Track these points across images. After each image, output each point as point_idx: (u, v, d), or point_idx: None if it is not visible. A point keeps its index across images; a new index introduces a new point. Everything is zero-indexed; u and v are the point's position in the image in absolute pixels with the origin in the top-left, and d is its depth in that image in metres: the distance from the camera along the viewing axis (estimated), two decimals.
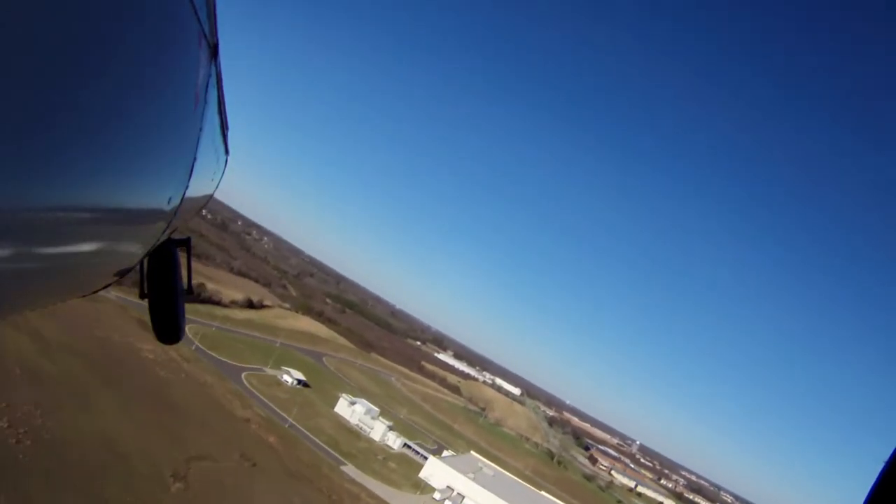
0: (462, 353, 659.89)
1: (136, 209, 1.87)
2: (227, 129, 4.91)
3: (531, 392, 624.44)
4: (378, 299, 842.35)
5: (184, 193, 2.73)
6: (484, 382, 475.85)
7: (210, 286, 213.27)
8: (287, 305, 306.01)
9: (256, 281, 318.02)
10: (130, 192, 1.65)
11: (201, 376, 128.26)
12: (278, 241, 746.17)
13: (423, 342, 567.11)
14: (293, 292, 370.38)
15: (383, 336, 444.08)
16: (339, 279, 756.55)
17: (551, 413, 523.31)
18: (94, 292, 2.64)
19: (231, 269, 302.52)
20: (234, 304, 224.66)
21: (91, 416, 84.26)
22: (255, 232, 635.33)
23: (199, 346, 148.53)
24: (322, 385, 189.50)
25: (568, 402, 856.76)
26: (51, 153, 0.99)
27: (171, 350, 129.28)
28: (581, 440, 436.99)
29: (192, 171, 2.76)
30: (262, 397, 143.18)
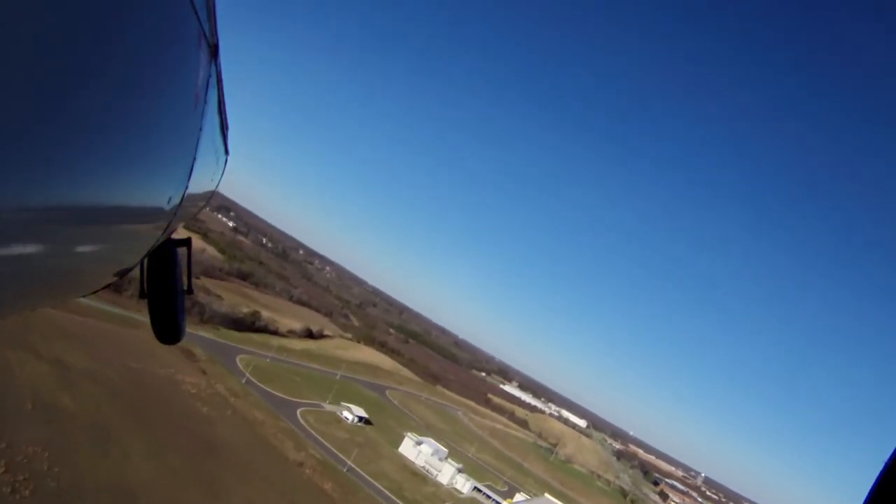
0: (527, 384, 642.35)
1: (137, 209, 1.87)
2: (227, 129, 4.93)
3: (596, 424, 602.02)
4: (442, 330, 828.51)
5: (184, 193, 2.73)
6: (550, 415, 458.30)
7: (266, 314, 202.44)
8: (348, 335, 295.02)
9: (317, 310, 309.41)
10: (130, 192, 1.65)
11: (250, 413, 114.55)
12: (341, 271, 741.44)
13: (488, 373, 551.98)
14: (355, 322, 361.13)
15: (448, 367, 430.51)
16: (402, 309, 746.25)
17: (618, 446, 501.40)
18: (94, 292, 2.62)
19: (291, 298, 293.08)
20: (291, 333, 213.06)
21: (111, 461, 70.89)
22: (317, 261, 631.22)
23: (251, 378, 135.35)
24: (385, 421, 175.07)
25: (631, 433, 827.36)
26: (51, 153, 0.99)
27: (218, 383, 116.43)
28: (650, 475, 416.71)
29: (191, 170, 2.76)
30: (318, 437, 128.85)
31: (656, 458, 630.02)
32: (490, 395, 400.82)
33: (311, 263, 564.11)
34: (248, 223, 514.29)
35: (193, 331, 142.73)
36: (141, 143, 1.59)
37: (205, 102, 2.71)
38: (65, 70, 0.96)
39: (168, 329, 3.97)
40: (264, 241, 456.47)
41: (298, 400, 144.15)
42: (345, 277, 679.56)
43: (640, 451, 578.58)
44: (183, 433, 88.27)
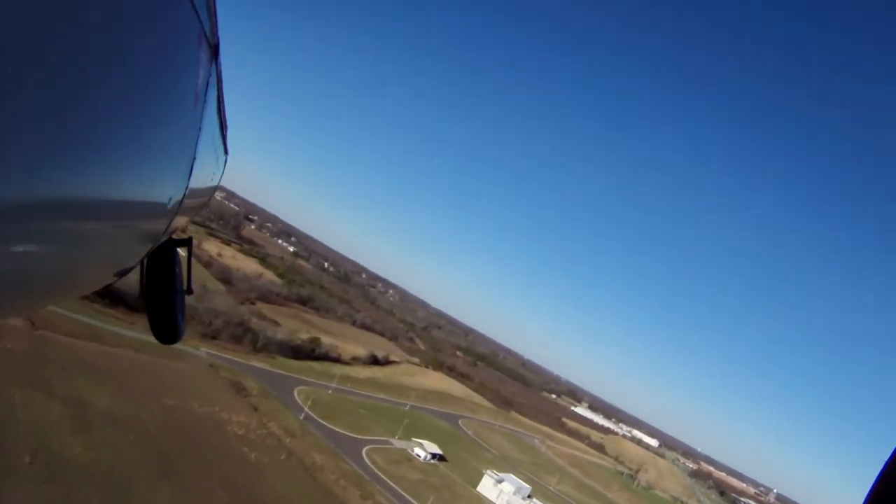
0: (596, 405, 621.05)
1: (136, 209, 1.88)
2: (227, 128, 4.96)
3: (665, 442, 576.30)
4: (507, 350, 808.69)
5: (184, 193, 2.75)
6: (623, 436, 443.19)
7: (327, 340, 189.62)
8: (416, 360, 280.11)
9: (381, 334, 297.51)
10: (130, 192, 1.65)
11: (309, 455, 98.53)
12: (404, 294, 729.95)
13: (558, 395, 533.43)
14: (421, 345, 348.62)
15: (519, 391, 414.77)
16: (467, 331, 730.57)
17: (690, 465, 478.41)
18: (94, 292, 2.62)
19: (354, 323, 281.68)
20: (355, 360, 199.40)
21: None
22: (379, 285, 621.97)
23: (310, 414, 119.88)
24: (460, 455, 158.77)
25: (699, 449, 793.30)
26: (51, 152, 0.99)
27: (272, 421, 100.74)
28: (727, 496, 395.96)
29: (191, 170, 2.78)
30: (388, 480, 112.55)
31: (727, 475, 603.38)
32: (564, 419, 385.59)
33: (374, 287, 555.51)
34: (309, 248, 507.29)
35: (245, 360, 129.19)
36: (141, 143, 1.59)
37: (205, 102, 2.71)
38: (65, 69, 0.96)
39: (167, 329, 3.93)
40: (326, 265, 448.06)
41: (364, 437, 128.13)
42: (408, 300, 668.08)
43: (713, 470, 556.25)
44: (224, 487, 72.74)
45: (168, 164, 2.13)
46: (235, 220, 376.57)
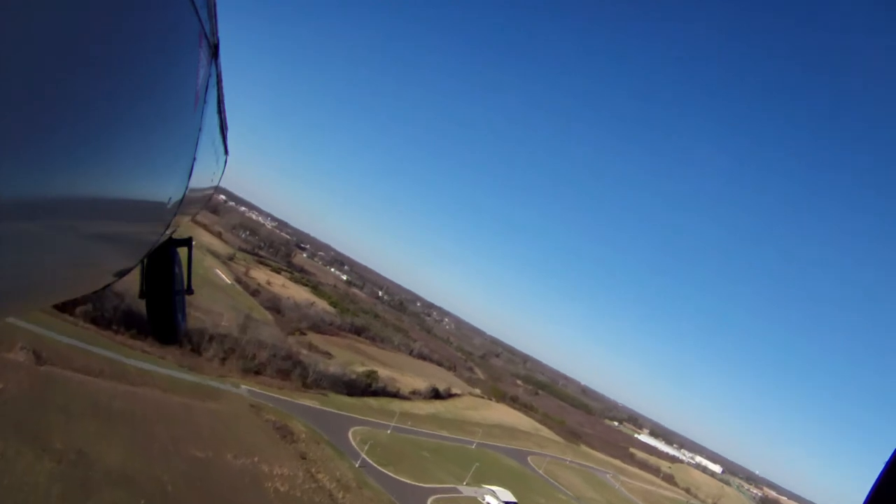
0: (658, 430, 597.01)
1: (136, 209, 1.88)
2: (227, 129, 4.98)
3: (727, 467, 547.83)
4: (566, 377, 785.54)
5: (184, 193, 2.75)
6: (688, 464, 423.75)
7: (384, 373, 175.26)
8: (477, 391, 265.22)
9: (440, 364, 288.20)
10: (130, 192, 1.65)
11: None
12: (459, 322, 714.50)
13: (620, 422, 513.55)
14: (480, 375, 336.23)
15: (583, 420, 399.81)
16: (525, 358, 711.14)
17: (755, 491, 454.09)
18: (94, 292, 2.62)
19: (411, 352, 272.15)
20: (415, 394, 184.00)
21: None
22: (434, 313, 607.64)
23: (367, 460, 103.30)
24: (534, 500, 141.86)
25: (757, 472, 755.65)
26: (51, 153, 0.98)
27: (322, 472, 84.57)
28: None
29: (191, 171, 2.79)
30: None
31: (788, 499, 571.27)
32: (632, 450, 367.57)
33: (429, 315, 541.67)
34: (363, 276, 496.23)
35: (293, 398, 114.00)
36: (141, 143, 1.58)
37: (205, 102, 2.71)
38: (65, 70, 0.96)
39: (167, 329, 3.94)
40: (380, 293, 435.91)
41: (429, 485, 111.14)
42: (464, 328, 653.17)
43: (773, 493, 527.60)
44: None
45: (168, 164, 2.13)
46: (286, 248, 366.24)
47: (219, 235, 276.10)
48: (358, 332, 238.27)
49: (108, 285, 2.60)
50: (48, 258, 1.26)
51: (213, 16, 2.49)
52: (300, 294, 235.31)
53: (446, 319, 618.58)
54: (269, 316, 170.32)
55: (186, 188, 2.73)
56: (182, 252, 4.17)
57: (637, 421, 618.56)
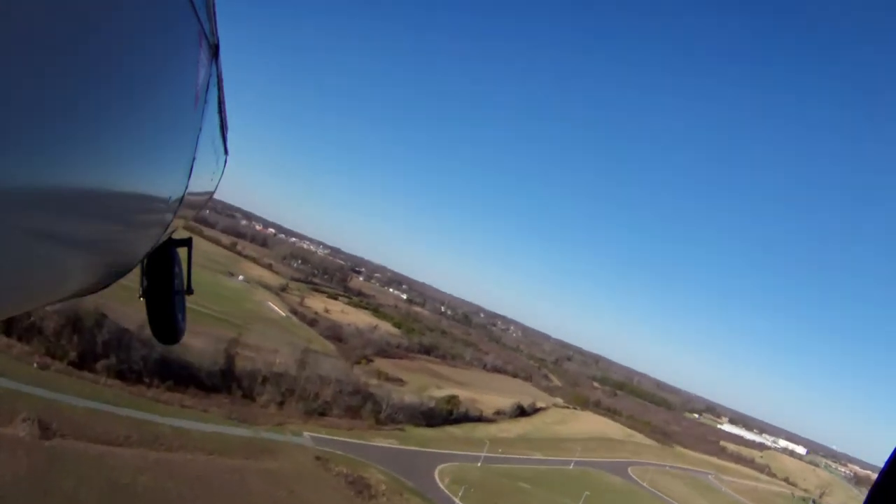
0: (735, 417, 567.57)
1: (136, 209, 1.88)
2: (227, 129, 5.00)
3: (810, 447, 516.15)
4: (637, 374, 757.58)
5: (184, 193, 2.76)
6: (775, 450, 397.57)
7: (463, 395, 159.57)
8: (559, 401, 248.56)
9: (515, 375, 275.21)
10: (130, 192, 1.65)
11: None
12: (524, 329, 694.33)
13: (700, 413, 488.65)
14: (557, 381, 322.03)
15: (668, 418, 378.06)
16: (596, 359, 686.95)
17: (844, 470, 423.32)
18: (94, 292, 2.63)
19: (485, 367, 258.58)
20: (500, 414, 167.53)
21: None
22: (499, 322, 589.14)
23: None
24: None
25: (834, 447, 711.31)
26: (51, 153, 0.98)
27: None
28: None
29: (191, 171, 2.79)
30: None
31: (872, 472, 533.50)
32: (722, 443, 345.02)
33: (495, 325, 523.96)
34: (423, 293, 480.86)
35: (366, 440, 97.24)
36: (141, 143, 1.58)
37: (205, 102, 2.71)
38: (65, 70, 0.96)
39: (167, 329, 4.00)
40: (443, 308, 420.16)
41: None
42: (531, 335, 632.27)
43: (858, 469, 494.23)
44: None
45: (168, 164, 2.12)
46: (341, 273, 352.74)
47: (269, 267, 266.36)
48: (427, 351, 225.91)
49: (108, 285, 2.58)
50: (48, 258, 1.24)
51: (212, 16, 2.49)
52: (361, 319, 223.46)
53: (512, 328, 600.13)
54: (330, 346, 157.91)
55: (186, 188, 2.72)
56: (182, 252, 4.16)
57: (715, 410, 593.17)
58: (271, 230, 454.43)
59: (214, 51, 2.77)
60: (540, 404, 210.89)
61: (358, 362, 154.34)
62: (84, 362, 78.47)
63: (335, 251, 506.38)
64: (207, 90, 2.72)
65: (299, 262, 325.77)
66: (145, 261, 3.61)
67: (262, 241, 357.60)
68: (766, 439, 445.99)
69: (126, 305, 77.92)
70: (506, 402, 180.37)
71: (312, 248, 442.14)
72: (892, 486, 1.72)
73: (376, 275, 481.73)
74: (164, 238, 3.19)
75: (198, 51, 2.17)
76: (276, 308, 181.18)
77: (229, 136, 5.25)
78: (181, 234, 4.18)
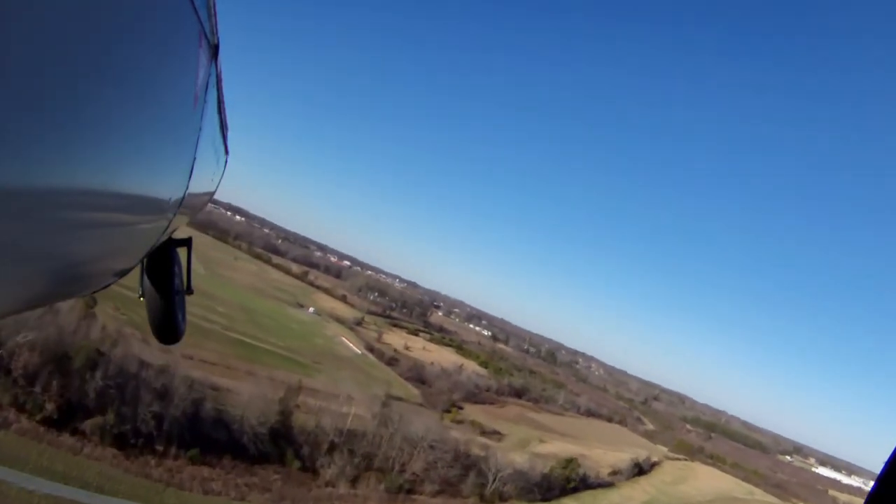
0: (823, 458, 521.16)
1: (136, 209, 1.86)
2: (227, 129, 5.00)
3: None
4: (720, 412, 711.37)
5: (184, 193, 2.74)
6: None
7: (571, 449, 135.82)
8: (663, 449, 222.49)
9: (609, 419, 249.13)
10: (130, 192, 1.63)
11: None
12: (603, 366, 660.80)
13: (790, 455, 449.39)
14: (650, 424, 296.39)
15: (771, 464, 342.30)
16: (681, 398, 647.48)
17: None
18: (94, 292, 2.60)
19: (579, 410, 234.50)
20: (616, 475, 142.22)
21: None
22: (580, 359, 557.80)
23: None
24: None
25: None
26: (51, 153, 0.97)
27: None
28: None
29: (191, 171, 2.78)
30: None
31: None
32: (832, 492, 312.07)
33: (577, 363, 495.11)
34: (504, 329, 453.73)
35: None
36: (141, 143, 1.56)
37: (205, 102, 2.70)
38: (65, 70, 0.94)
39: (167, 329, 3.99)
40: (527, 346, 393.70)
41: None
42: (613, 372, 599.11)
43: None
44: None
45: (168, 164, 2.11)
46: (421, 306, 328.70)
47: (343, 299, 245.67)
48: (518, 394, 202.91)
49: (109, 285, 2.56)
50: (48, 258, 1.23)
51: (212, 16, 2.47)
52: (445, 356, 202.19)
53: (593, 365, 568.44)
54: (413, 390, 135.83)
55: (186, 188, 2.71)
56: (182, 252, 4.14)
57: (802, 451, 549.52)
58: (346, 262, 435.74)
59: (214, 51, 2.75)
60: (653, 457, 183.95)
61: (447, 411, 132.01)
62: (66, 420, 53.24)
63: (412, 285, 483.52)
64: (207, 90, 2.69)
65: (376, 294, 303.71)
66: (145, 261, 3.57)
67: (336, 273, 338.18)
68: (854, 481, 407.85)
69: (130, 338, 52.47)
70: (618, 458, 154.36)
71: (388, 281, 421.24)
72: (892, 487, 1.69)
73: (455, 310, 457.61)
74: (165, 238, 3.18)
75: (198, 51, 2.14)
76: (351, 344, 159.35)
77: (230, 136, 5.16)
78: (181, 234, 4.21)
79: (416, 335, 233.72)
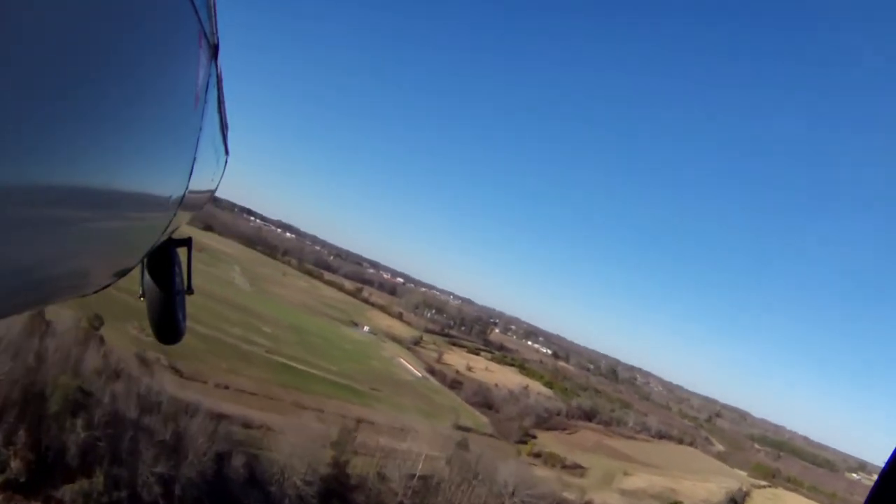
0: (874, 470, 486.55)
1: (136, 209, 1.85)
2: (227, 129, 4.95)
3: None
4: (782, 429, 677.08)
5: (184, 193, 2.72)
6: None
7: (659, 483, 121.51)
8: (742, 474, 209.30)
9: (680, 441, 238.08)
10: (130, 192, 1.61)
11: None
12: (662, 382, 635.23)
13: (856, 473, 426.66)
14: (719, 445, 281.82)
15: (844, 485, 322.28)
16: (743, 414, 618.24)
17: None
18: (94, 292, 2.55)
19: (650, 433, 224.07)
20: None
21: None
22: (638, 375, 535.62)
23: None
24: None
25: None
26: (51, 153, 0.95)
27: None
28: None
29: (191, 171, 2.75)
30: None
31: None
32: None
33: (635, 379, 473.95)
34: (560, 345, 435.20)
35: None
36: (141, 143, 1.55)
37: (205, 102, 2.66)
38: (65, 70, 0.92)
39: (167, 329, 3.90)
40: (589, 365, 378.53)
41: None
42: (672, 388, 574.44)
43: None
44: None
45: (168, 164, 2.09)
46: (480, 324, 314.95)
47: (399, 317, 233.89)
48: (588, 416, 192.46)
49: (109, 285, 2.54)
50: (48, 258, 1.21)
51: (212, 16, 2.46)
52: (508, 377, 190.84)
53: (651, 381, 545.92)
54: (481, 417, 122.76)
55: (186, 188, 2.69)
56: (182, 252, 4.02)
57: (866, 468, 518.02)
58: (399, 279, 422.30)
59: (214, 51, 2.72)
60: (742, 486, 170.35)
61: (522, 441, 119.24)
62: (38, 483, 38.36)
63: (467, 302, 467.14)
64: (207, 90, 2.67)
65: (433, 311, 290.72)
66: (145, 260, 3.51)
67: (391, 290, 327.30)
68: None
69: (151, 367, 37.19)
70: (709, 490, 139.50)
71: (443, 298, 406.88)
72: (892, 487, 1.67)
73: (512, 327, 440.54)
74: (165, 238, 3.18)
75: (198, 51, 2.12)
76: (410, 366, 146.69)
77: (230, 136, 5.09)
78: (182, 233, 4.14)
79: (477, 354, 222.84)
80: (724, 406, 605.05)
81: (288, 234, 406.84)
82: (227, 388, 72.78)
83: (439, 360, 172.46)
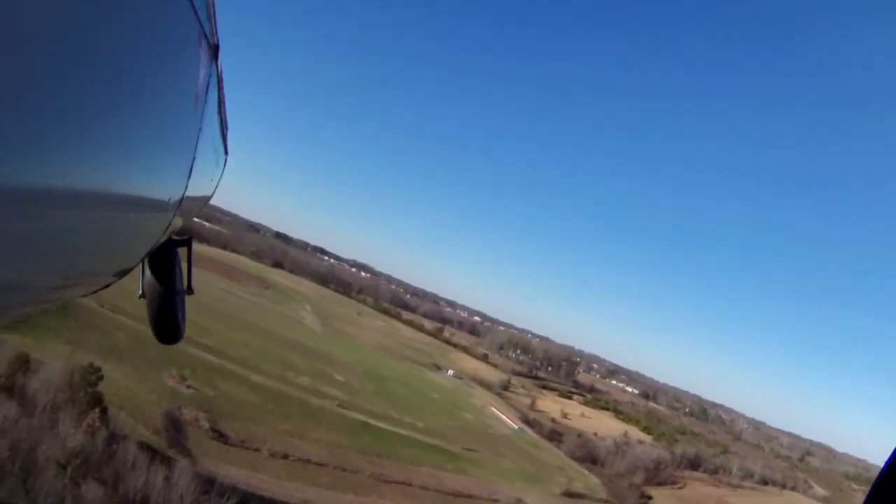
0: None
1: (136, 209, 1.81)
2: (227, 129, 4.89)
3: None
4: (866, 463, 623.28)
5: (183, 193, 2.67)
6: None
7: None
8: None
9: (783, 485, 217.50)
10: (130, 192, 1.58)
11: None
12: (745, 418, 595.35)
13: None
14: (819, 489, 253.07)
15: None
16: (831, 452, 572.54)
17: None
18: (94, 292, 2.53)
19: (754, 478, 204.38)
20: None
21: None
22: (722, 413, 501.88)
23: None
24: None
25: None
26: (50, 153, 0.94)
27: None
28: None
29: (191, 171, 2.70)
30: None
31: None
32: None
33: (723, 419, 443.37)
34: (642, 382, 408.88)
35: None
36: (141, 143, 1.53)
37: (205, 102, 2.62)
38: (65, 70, 0.91)
39: (167, 329, 3.86)
40: (678, 404, 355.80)
41: None
42: (756, 425, 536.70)
43: None
44: None
45: (168, 164, 2.07)
46: (567, 364, 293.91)
47: (484, 359, 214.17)
48: (693, 465, 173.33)
49: (109, 285, 2.50)
50: (48, 258, 1.20)
51: (212, 17, 2.42)
52: (605, 423, 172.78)
53: (736, 418, 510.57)
54: (590, 478, 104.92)
55: (186, 188, 2.63)
56: (182, 252, 4.00)
57: None
58: (477, 318, 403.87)
59: (214, 51, 2.68)
60: None
61: None
62: None
63: (545, 340, 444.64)
64: (207, 90, 2.63)
65: (518, 352, 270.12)
66: (146, 260, 3.49)
67: (470, 329, 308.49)
68: None
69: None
70: None
71: (523, 336, 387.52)
72: (892, 487, 1.65)
73: (594, 365, 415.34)
74: (165, 238, 3.11)
75: (198, 51, 2.09)
76: (504, 416, 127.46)
77: (230, 136, 5.05)
78: (183, 233, 4.11)
79: (570, 398, 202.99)
80: (811, 442, 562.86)
81: (363, 273, 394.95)
82: (286, 457, 55.09)
83: (532, 408, 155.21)
